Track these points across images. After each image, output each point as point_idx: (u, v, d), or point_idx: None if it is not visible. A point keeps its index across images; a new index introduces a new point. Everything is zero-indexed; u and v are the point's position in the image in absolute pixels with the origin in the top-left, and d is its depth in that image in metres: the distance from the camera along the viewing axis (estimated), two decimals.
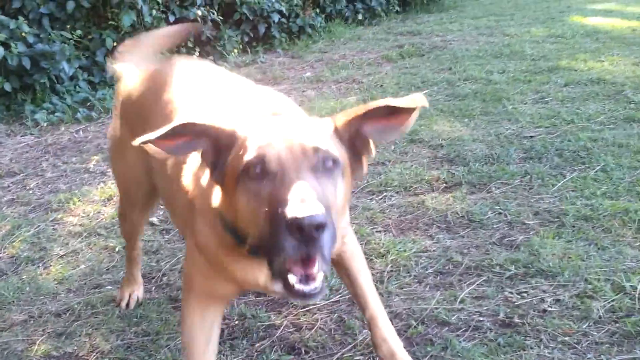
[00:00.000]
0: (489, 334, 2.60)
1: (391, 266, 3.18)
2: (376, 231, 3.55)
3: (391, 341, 2.35)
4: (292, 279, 1.61)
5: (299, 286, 1.61)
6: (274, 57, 8.58)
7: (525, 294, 2.84)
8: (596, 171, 3.98)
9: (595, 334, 2.55)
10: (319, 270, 1.60)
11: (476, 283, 2.97)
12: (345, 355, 2.62)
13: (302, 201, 1.51)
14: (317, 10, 9.70)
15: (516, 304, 2.77)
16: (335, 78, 7.16)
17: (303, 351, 2.65)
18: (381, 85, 6.58)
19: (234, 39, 8.47)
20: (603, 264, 2.96)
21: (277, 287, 1.70)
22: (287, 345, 2.70)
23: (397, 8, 10.67)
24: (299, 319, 2.86)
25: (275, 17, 8.80)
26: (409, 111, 1.72)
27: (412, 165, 4.38)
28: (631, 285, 2.79)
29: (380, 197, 4.00)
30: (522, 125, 4.92)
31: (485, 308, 2.77)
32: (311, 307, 2.93)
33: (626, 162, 4.06)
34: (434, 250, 3.29)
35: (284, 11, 8.99)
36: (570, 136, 4.59)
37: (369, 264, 2.51)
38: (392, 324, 2.45)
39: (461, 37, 8.67)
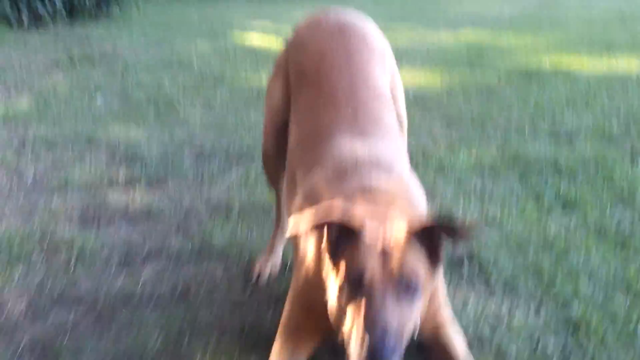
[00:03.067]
0: (168, 305, 2.99)
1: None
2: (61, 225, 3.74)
3: None
4: None
5: None
6: None
7: (199, 271, 3.27)
8: (258, 169, 4.59)
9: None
10: None
11: (157, 264, 3.33)
12: (39, 333, 2.81)
13: (379, 338, 1.81)
14: None
15: (192, 280, 3.19)
16: (1, 81, 6.99)
17: None
18: (54, 90, 6.60)
19: None
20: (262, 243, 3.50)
21: None
22: None
23: (65, 14, 10.54)
24: None
25: None
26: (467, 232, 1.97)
27: (91, 165, 4.61)
28: None
29: (62, 193, 4.17)
30: (193, 129, 5.39)
31: (165, 285, 3.15)
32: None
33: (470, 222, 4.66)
34: (117, 239, 3.59)
35: None
36: (236, 139, 5.17)
37: None
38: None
39: (131, 46, 8.92)
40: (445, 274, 3.19)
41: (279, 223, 3.26)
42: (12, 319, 2.90)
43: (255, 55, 8.52)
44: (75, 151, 4.87)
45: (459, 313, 2.87)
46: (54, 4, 10.31)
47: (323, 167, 2.36)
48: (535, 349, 2.69)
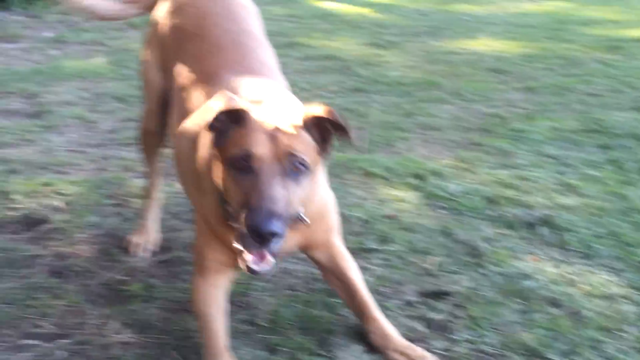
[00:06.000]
0: None
1: None
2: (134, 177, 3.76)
3: (389, 330, 2.45)
4: (248, 258, 1.99)
5: (252, 265, 2.00)
6: (8, 15, 8.21)
7: None
8: None
9: None
10: (269, 256, 1.99)
11: None
12: (108, 275, 2.85)
13: (265, 211, 1.87)
14: None
15: None
16: (78, 40, 7.10)
17: (70, 275, 2.82)
18: (127, 49, 6.66)
19: None
20: None
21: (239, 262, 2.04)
22: (52, 271, 2.84)
23: None
24: (63, 249, 3.01)
25: None
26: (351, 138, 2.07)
27: None
28: (355, 216, 3.35)
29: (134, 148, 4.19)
30: None
31: None
32: (75, 240, 3.11)
33: (355, 124, 4.65)
34: None
35: None
36: (307, 102, 5.09)
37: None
38: None
39: None
40: (519, 236, 3.12)
41: (151, 196, 3.16)
42: (84, 264, 2.92)
43: (328, 20, 8.45)
44: None
45: (534, 276, 2.80)
46: None
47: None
48: (612, 313, 2.58)
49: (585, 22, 8.26)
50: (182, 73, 2.61)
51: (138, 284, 2.79)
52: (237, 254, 2.04)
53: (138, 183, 3.60)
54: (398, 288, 2.77)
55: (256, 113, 2.04)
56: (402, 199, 3.57)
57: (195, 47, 2.64)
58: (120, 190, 3.63)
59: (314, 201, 2.24)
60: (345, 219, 3.26)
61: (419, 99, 5.25)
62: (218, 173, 2.09)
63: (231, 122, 2.03)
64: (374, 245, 3.09)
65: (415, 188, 3.69)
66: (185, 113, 2.42)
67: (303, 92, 5.34)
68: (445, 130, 4.61)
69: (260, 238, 1.89)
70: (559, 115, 4.84)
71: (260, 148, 1.96)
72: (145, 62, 2.96)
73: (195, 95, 2.45)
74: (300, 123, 2.04)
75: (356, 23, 8.39)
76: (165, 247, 3.08)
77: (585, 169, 3.91)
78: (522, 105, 5.07)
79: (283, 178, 1.96)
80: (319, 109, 2.04)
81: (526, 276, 2.81)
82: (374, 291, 2.64)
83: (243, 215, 1.91)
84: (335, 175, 3.79)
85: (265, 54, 2.68)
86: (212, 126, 2.02)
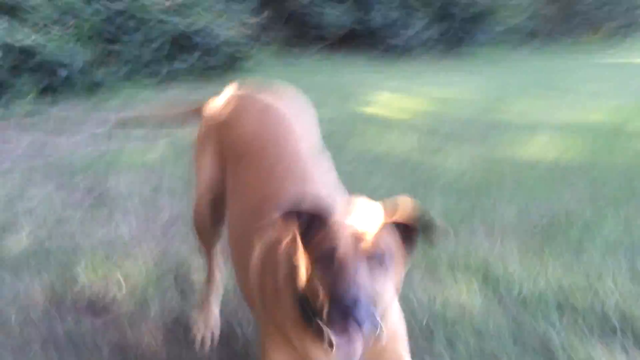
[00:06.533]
0: None
1: None
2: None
3: None
4: (335, 339, 1.99)
5: (339, 345, 1.98)
6: (71, 107, 8.41)
7: None
8: None
9: None
10: (357, 336, 1.96)
11: None
12: None
13: (351, 293, 1.88)
14: (119, 64, 9.74)
15: None
16: (140, 129, 7.24)
17: None
18: (186, 139, 6.73)
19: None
20: None
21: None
22: (117, 358, 2.81)
23: (196, 76, 10.99)
24: (127, 336, 2.98)
25: (76, 67, 8.71)
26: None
27: None
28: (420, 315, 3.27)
29: None
30: None
31: None
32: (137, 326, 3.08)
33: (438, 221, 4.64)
34: None
35: (84, 62, 8.93)
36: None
37: None
38: None
39: None
40: (598, 342, 3.02)
41: (212, 281, 3.21)
42: (149, 352, 2.89)
43: (377, 124, 8.55)
44: None
45: None
46: (183, 67, 10.74)
47: None
48: None
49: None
50: (243, 194, 2.68)
51: None
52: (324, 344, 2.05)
53: (200, 271, 3.60)
54: None
55: (341, 212, 2.08)
56: (470, 299, 3.50)
57: (253, 168, 2.70)
58: (183, 278, 3.62)
59: (390, 314, 2.21)
60: (409, 319, 3.20)
61: (480, 198, 5.19)
62: (302, 273, 2.08)
63: (316, 221, 2.06)
64: (442, 349, 3.01)
65: (483, 288, 3.62)
66: (245, 237, 2.52)
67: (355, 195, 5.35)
68: (510, 226, 4.54)
69: (346, 314, 1.87)
70: (629, 210, 4.77)
71: (346, 244, 1.98)
72: (200, 160, 3.00)
73: (255, 220, 2.49)
74: (384, 220, 2.05)
75: (405, 127, 8.46)
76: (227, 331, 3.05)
77: None
78: (589, 200, 5.04)
79: (370, 268, 1.96)
80: (403, 206, 2.07)
81: None
82: None
83: (327, 306, 1.91)
84: None
85: (323, 172, 2.73)
86: (299, 226, 2.07)
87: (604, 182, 5.52)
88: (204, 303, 3.17)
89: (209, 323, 3.09)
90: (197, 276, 3.58)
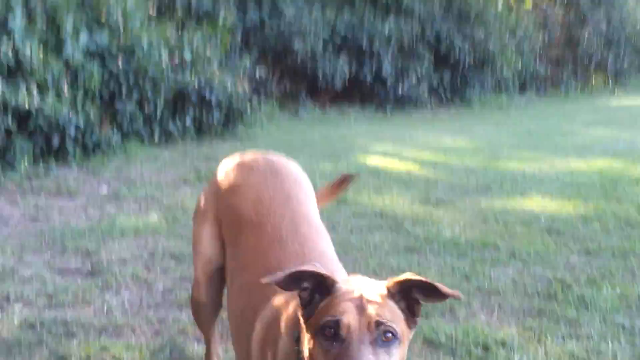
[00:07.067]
0: None
1: None
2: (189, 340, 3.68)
3: None
4: None
5: None
6: (67, 171, 8.46)
7: None
8: None
9: None
10: None
11: None
12: None
13: None
14: (114, 127, 9.76)
15: None
16: (133, 195, 7.23)
17: None
18: (182, 206, 6.76)
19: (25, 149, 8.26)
20: None
21: None
22: None
23: (193, 133, 11.01)
24: None
25: (72, 131, 8.73)
26: (445, 295, 2.07)
27: None
28: None
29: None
30: None
31: None
32: None
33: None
34: None
35: (81, 125, 8.95)
36: (361, 261, 5.07)
37: None
38: None
39: None
40: None
41: None
42: None
43: (377, 176, 8.53)
44: None
45: None
46: (184, 123, 10.80)
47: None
48: None
49: (637, 181, 8.19)
50: (243, 267, 2.64)
51: None
52: None
53: (196, 347, 3.53)
54: None
55: (343, 283, 2.07)
56: None
57: (253, 237, 2.67)
58: (177, 355, 3.55)
59: None
60: None
61: (476, 260, 5.16)
62: (304, 349, 2.06)
63: (319, 293, 2.05)
64: None
65: None
66: (245, 313, 2.49)
67: (356, 252, 5.31)
68: (506, 295, 4.49)
69: None
70: (624, 281, 4.70)
71: (349, 316, 1.95)
72: (198, 234, 2.96)
73: (261, 295, 2.46)
74: (386, 292, 2.04)
75: (405, 180, 8.46)
76: None
77: None
78: (583, 269, 4.94)
79: (374, 347, 1.93)
80: (402, 276, 2.06)
81: None
82: None
83: None
84: None
85: (323, 241, 2.71)
86: (301, 297, 2.06)
87: (599, 248, 5.48)
88: None
89: None
90: (194, 354, 3.51)
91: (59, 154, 8.75)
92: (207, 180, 7.87)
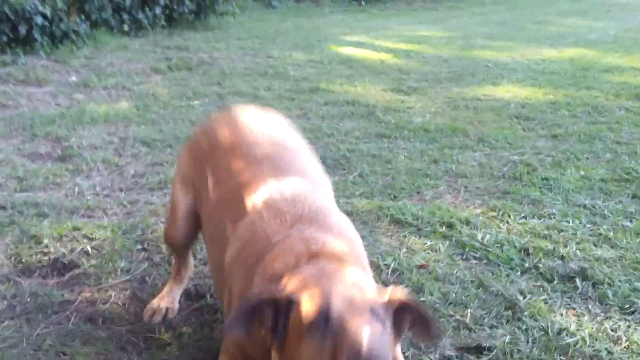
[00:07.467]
0: None
1: None
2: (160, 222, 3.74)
3: None
4: None
5: None
6: (35, 60, 8.30)
7: None
8: (354, 176, 4.52)
9: None
10: None
11: None
12: (139, 322, 2.82)
13: None
14: (82, 17, 9.54)
15: None
16: (103, 84, 7.14)
17: (100, 321, 2.79)
18: (153, 94, 6.71)
19: None
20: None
21: None
22: (82, 317, 2.81)
23: (164, 22, 10.80)
24: (93, 295, 2.98)
25: (39, 20, 8.52)
26: (433, 335, 1.82)
27: None
28: (385, 264, 3.31)
29: (161, 193, 4.20)
30: None
31: None
32: (103, 284, 3.08)
33: (379, 170, 4.65)
34: None
35: (48, 14, 8.73)
36: (331, 147, 5.11)
37: None
38: None
39: (227, 55, 9.04)
40: (556, 289, 3.06)
41: (177, 275, 3.00)
42: (115, 310, 2.89)
43: (351, 67, 8.49)
44: (173, 153, 4.89)
45: (573, 331, 2.73)
46: (154, 12, 10.56)
47: (258, 216, 2.23)
48: None
49: (608, 69, 8.25)
50: (216, 187, 2.53)
51: (169, 332, 2.76)
52: None
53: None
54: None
55: (309, 299, 1.73)
56: (434, 249, 3.52)
57: (229, 163, 2.53)
58: (149, 235, 3.60)
59: None
60: (376, 267, 3.23)
61: (445, 146, 5.24)
62: None
63: (281, 316, 1.75)
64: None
65: (446, 237, 3.65)
66: (217, 231, 2.39)
67: (327, 138, 5.34)
68: (473, 177, 4.57)
69: None
70: (588, 164, 4.81)
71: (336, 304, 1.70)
72: (176, 180, 2.86)
73: (236, 208, 2.33)
74: (376, 311, 1.73)
75: (378, 69, 8.43)
76: (196, 294, 3.05)
77: (619, 219, 3.86)
78: (549, 153, 5.04)
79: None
80: (399, 294, 1.79)
81: (566, 331, 2.75)
82: (410, 345, 2.59)
83: None
84: (364, 223, 3.77)
85: (305, 161, 2.59)
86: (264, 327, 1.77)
87: (566, 133, 5.56)
88: (168, 289, 2.98)
89: (167, 304, 2.91)
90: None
91: (27, 43, 8.56)
92: (179, 70, 7.84)
